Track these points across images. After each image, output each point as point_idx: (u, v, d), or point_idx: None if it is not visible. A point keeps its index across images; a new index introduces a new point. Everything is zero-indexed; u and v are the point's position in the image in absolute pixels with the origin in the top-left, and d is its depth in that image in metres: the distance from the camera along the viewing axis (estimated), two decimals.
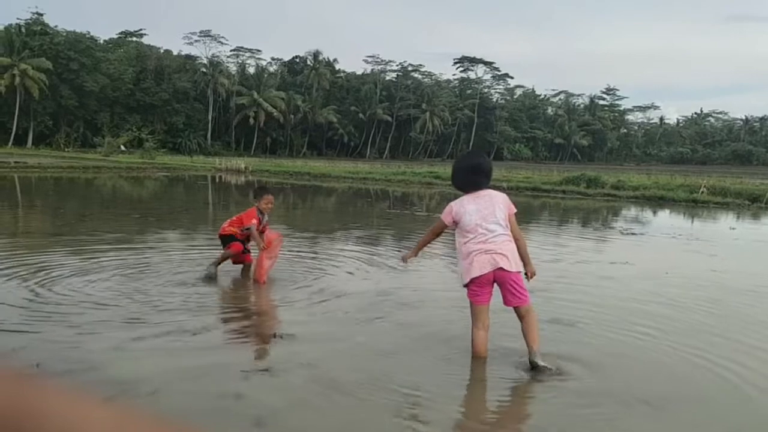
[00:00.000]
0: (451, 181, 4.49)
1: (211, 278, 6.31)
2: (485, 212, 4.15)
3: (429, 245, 4.82)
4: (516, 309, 4.16)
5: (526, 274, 4.28)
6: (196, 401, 3.42)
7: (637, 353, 4.52)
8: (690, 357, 4.46)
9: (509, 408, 3.79)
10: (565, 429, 3.30)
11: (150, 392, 3.48)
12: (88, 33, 62.22)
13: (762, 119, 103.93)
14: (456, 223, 4.24)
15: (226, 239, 6.67)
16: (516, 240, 4.24)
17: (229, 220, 6.77)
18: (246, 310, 5.51)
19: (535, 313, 4.16)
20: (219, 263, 6.52)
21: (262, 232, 6.53)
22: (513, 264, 4.10)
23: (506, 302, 4.18)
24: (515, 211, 4.30)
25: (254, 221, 6.34)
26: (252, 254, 6.80)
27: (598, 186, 24.51)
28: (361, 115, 75.41)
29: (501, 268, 4.05)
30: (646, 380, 4.00)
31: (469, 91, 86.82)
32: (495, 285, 4.18)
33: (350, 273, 7.12)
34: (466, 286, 4.19)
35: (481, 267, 4.06)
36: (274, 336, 4.74)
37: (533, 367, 3.99)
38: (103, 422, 0.34)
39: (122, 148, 47.72)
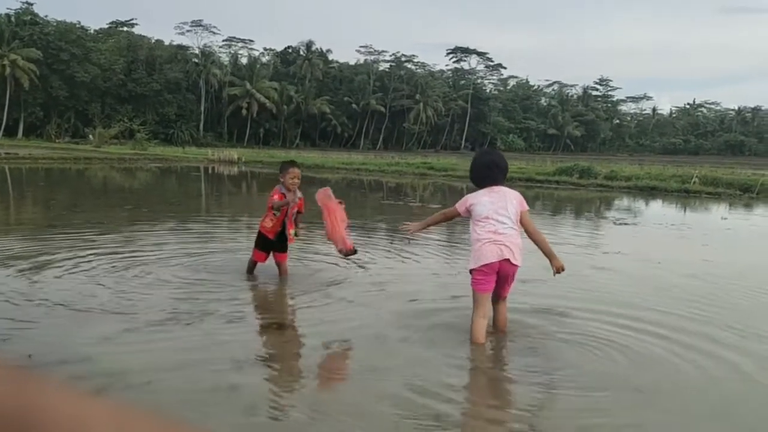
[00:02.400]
0: (470, 176, 4.71)
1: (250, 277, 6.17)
2: (497, 205, 4.35)
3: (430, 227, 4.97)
4: (498, 296, 4.48)
5: (554, 268, 4.45)
6: (190, 392, 3.41)
7: (628, 342, 4.53)
8: (682, 346, 4.49)
9: (508, 397, 3.81)
10: (560, 415, 3.32)
11: (143, 383, 3.47)
12: (79, 23, 61.79)
13: (754, 110, 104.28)
14: (469, 213, 4.45)
15: (259, 239, 6.12)
16: (534, 235, 4.48)
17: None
18: (240, 300, 5.49)
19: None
20: (250, 269, 6.21)
21: (299, 212, 6.08)
22: (518, 258, 4.29)
23: (497, 289, 4.41)
24: (527, 208, 4.49)
25: (275, 197, 5.89)
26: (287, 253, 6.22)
27: (591, 176, 24.54)
28: (354, 105, 75.21)
29: (507, 260, 4.25)
30: (638, 369, 4.02)
31: (462, 82, 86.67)
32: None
33: (345, 263, 7.11)
34: (471, 272, 4.34)
35: (489, 255, 4.23)
36: (268, 326, 4.74)
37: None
38: (105, 421, 0.34)
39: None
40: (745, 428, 3.36)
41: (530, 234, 4.47)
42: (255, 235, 6.21)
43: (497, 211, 4.33)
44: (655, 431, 3.23)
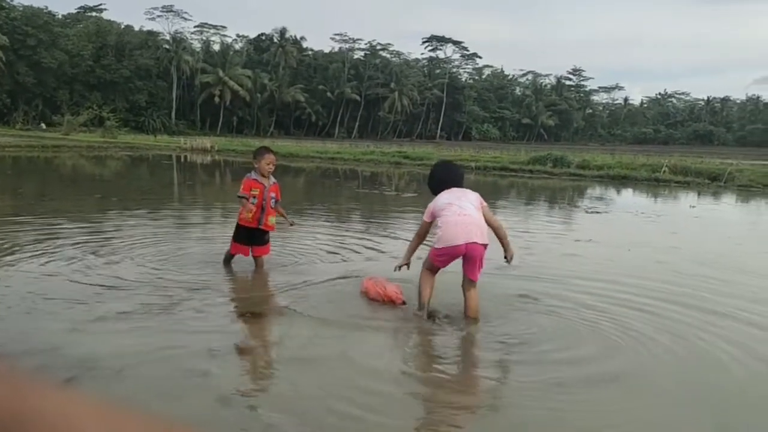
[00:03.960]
0: (428, 185, 5.00)
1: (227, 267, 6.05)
2: (455, 195, 4.69)
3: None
4: (469, 281, 4.62)
5: (506, 257, 4.77)
6: (161, 381, 3.37)
7: (599, 327, 4.61)
8: (656, 330, 4.58)
9: (480, 385, 3.85)
10: (530, 400, 3.37)
11: (114, 372, 3.42)
12: (46, 8, 60.33)
13: (723, 100, 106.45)
14: (434, 217, 4.70)
15: (237, 231, 5.98)
16: (493, 223, 4.70)
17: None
18: (213, 288, 5.44)
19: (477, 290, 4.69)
20: (227, 261, 6.11)
21: (277, 200, 5.91)
22: (485, 237, 4.51)
23: (468, 272, 4.62)
24: (486, 205, 4.75)
25: (245, 187, 5.80)
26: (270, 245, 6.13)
27: (564, 165, 24.83)
28: (329, 94, 74.75)
29: (474, 242, 4.46)
30: (605, 353, 4.09)
31: (437, 71, 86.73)
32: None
33: (318, 252, 7.10)
34: (432, 248, 4.62)
35: (456, 237, 4.47)
36: (242, 314, 4.71)
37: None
38: (98, 422, 0.34)
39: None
40: (712, 404, 3.44)
41: (491, 224, 4.68)
42: (230, 224, 6.12)
43: (459, 198, 4.65)
44: (630, 416, 3.29)
